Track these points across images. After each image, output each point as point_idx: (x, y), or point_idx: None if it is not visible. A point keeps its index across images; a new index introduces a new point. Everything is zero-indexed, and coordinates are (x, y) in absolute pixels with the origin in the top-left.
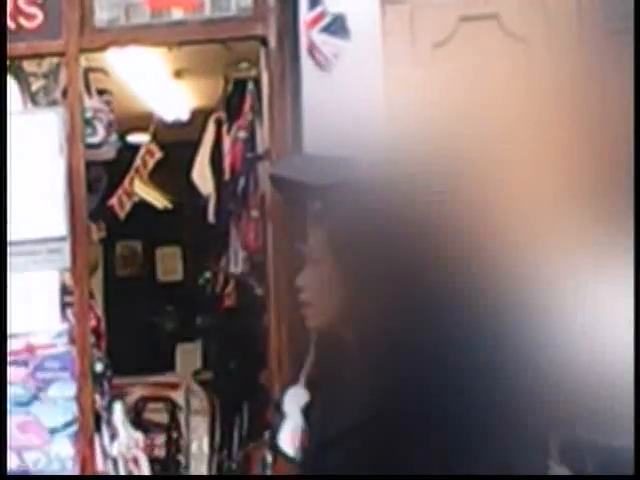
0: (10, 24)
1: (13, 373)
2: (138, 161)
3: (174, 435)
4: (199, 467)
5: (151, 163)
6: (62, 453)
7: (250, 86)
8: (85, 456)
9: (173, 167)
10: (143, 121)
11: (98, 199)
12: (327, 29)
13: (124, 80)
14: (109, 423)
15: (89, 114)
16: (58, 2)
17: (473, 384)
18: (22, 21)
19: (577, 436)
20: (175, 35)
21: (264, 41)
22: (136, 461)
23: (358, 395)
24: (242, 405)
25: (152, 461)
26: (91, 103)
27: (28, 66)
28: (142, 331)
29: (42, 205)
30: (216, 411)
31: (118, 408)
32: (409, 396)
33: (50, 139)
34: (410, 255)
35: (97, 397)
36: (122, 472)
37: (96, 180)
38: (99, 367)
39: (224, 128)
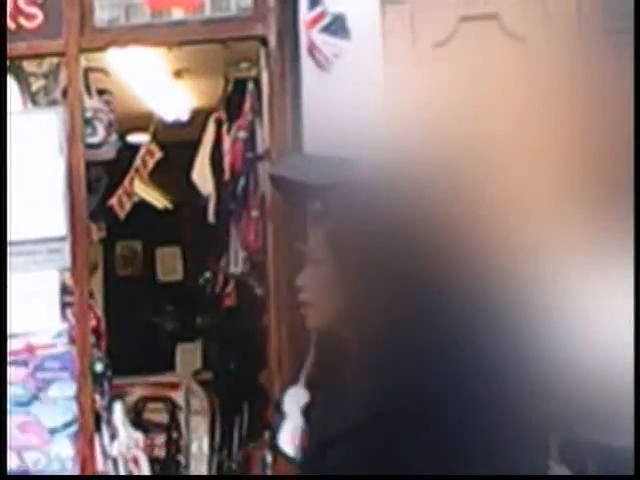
0: (10, 24)
1: (13, 373)
2: (138, 161)
3: (174, 435)
4: (199, 467)
5: (151, 163)
6: (62, 453)
7: (250, 86)
8: (85, 456)
9: (173, 167)
10: (143, 121)
11: (98, 199)
12: (327, 29)
13: (124, 80)
14: (109, 423)
15: (89, 114)
16: (58, 2)
17: (473, 384)
18: (22, 21)
19: (577, 436)
20: (175, 35)
21: (264, 41)
22: (136, 461)
23: (358, 395)
24: (242, 405)
25: (152, 461)
26: (91, 103)
27: (28, 66)
28: (142, 331)
29: (42, 205)
30: (216, 411)
31: (118, 408)
32: (409, 396)
33: (50, 139)
34: (410, 255)
35: (97, 397)
36: (122, 472)
37: (96, 180)
38: (99, 367)
39: (224, 128)
